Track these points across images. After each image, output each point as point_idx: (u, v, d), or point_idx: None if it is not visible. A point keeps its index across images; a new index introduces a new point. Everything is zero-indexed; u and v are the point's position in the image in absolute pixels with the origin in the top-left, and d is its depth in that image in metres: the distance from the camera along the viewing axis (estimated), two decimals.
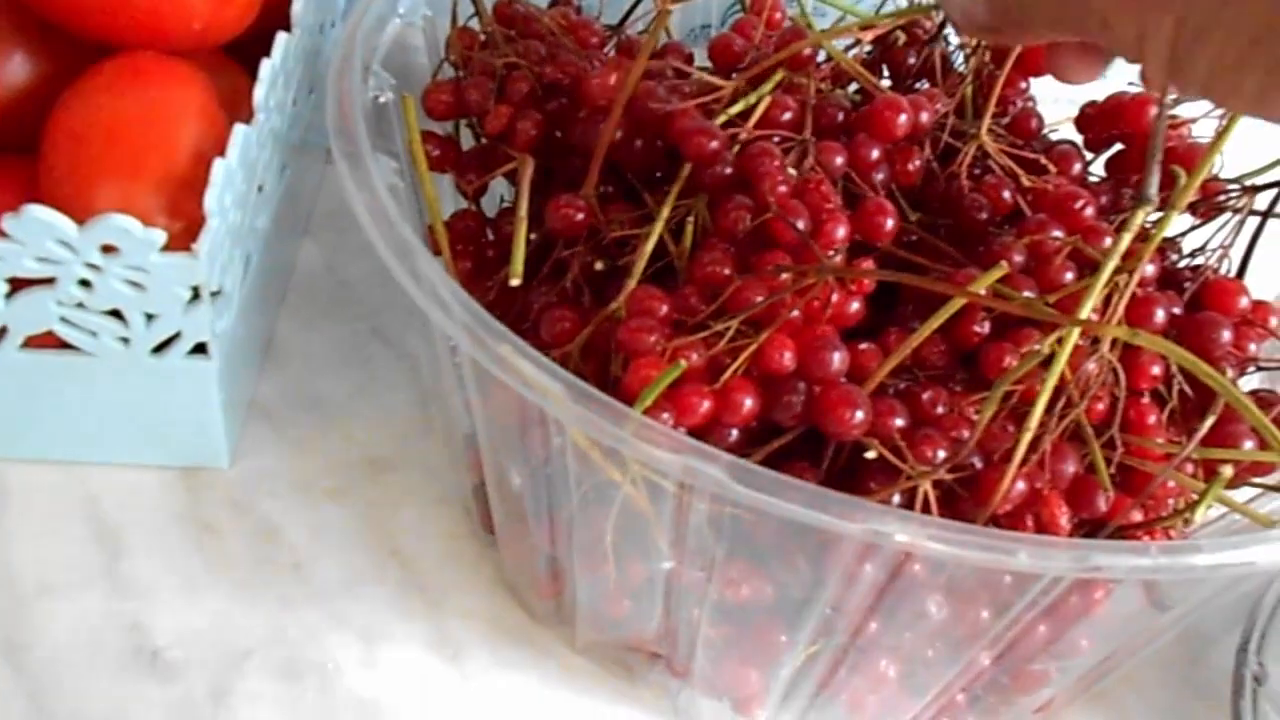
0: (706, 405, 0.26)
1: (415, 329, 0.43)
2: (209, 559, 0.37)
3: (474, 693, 0.35)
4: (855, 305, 0.30)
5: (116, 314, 0.30)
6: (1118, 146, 0.38)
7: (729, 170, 0.30)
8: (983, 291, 0.29)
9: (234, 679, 0.34)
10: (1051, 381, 0.27)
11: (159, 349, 0.32)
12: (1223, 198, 0.36)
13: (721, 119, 0.31)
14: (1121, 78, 0.43)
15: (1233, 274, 0.36)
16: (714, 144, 0.30)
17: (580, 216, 0.31)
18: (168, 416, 0.35)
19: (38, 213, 0.26)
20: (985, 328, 0.30)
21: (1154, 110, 0.34)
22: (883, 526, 0.21)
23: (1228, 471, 0.27)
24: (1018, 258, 0.30)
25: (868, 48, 0.42)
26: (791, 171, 0.31)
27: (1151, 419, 0.32)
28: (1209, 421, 0.29)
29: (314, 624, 0.36)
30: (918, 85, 0.41)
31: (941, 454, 0.28)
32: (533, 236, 0.34)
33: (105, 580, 0.36)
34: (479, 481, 0.36)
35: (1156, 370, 0.32)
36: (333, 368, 0.43)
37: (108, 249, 0.27)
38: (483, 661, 0.35)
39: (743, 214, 0.29)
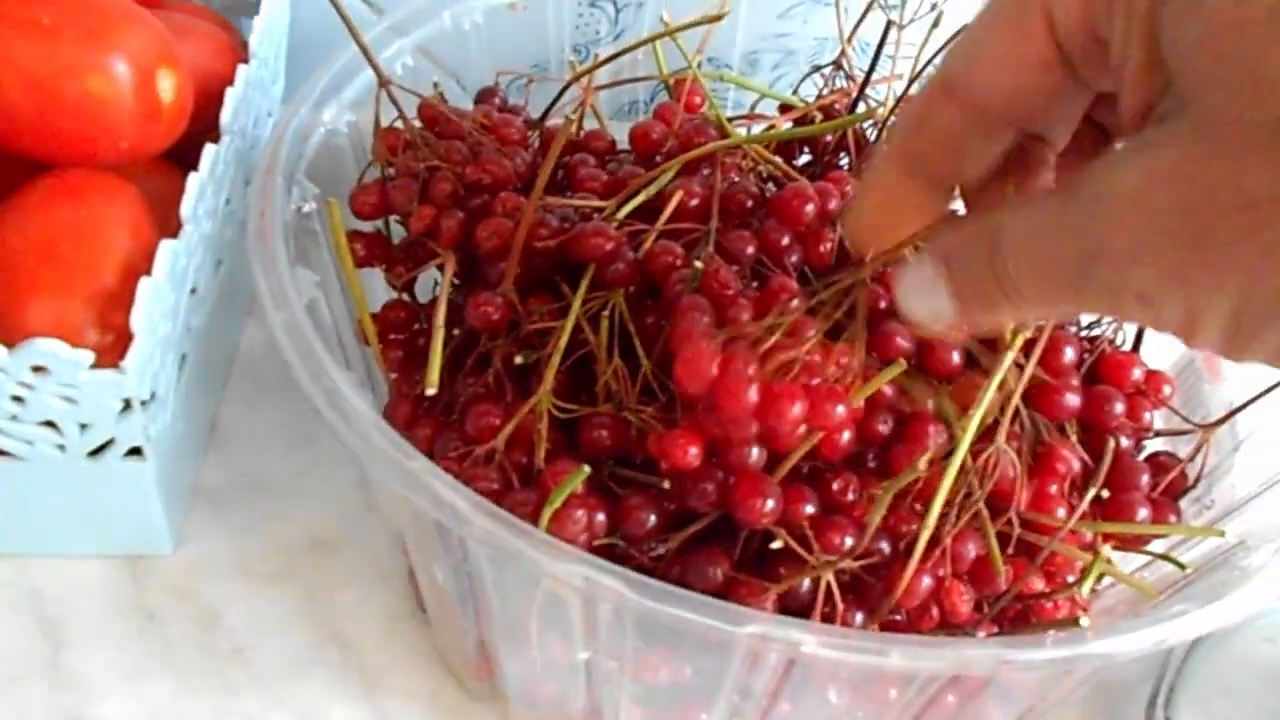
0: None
1: None
2: (151, 648, 0.38)
3: None
4: None
5: (51, 424, 0.31)
6: None
7: (625, 267, 0.32)
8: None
9: None
10: (948, 480, 0.29)
11: (95, 453, 0.33)
12: None
13: (624, 213, 0.33)
14: None
15: (1127, 346, 0.38)
16: (609, 245, 0.31)
17: (498, 315, 0.33)
18: (108, 511, 0.36)
19: None
20: (889, 425, 0.31)
21: None
22: (767, 631, 0.23)
23: (1106, 551, 0.28)
24: (904, 343, 0.32)
25: (787, 124, 0.44)
26: (697, 264, 0.32)
27: (1052, 489, 0.34)
28: (1090, 493, 0.31)
29: (255, 711, 0.37)
30: (840, 159, 0.43)
31: (849, 541, 0.30)
32: (455, 331, 0.35)
33: (48, 672, 0.37)
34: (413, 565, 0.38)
35: (1062, 467, 0.33)
36: (276, 449, 0.44)
37: (38, 369, 0.28)
38: None
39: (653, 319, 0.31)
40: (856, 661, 0.22)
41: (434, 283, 0.41)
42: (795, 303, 0.29)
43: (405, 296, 0.38)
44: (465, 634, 0.34)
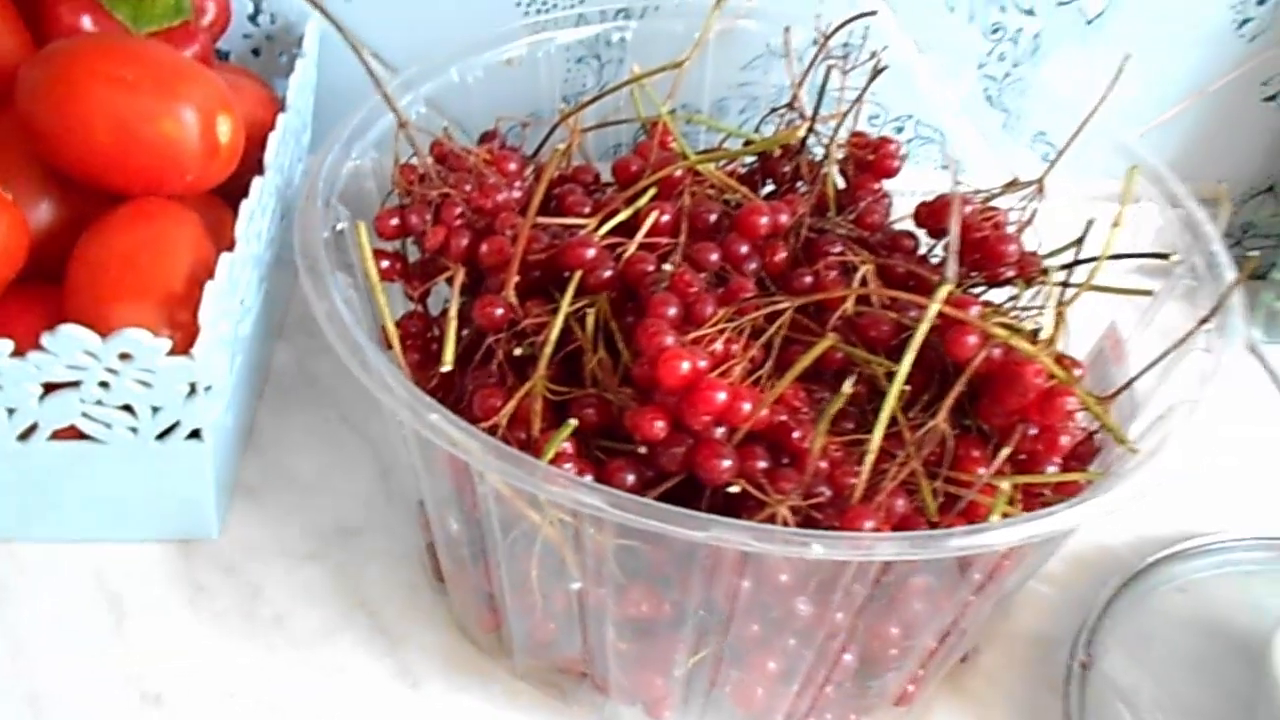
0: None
1: (377, 415, 0.50)
2: (202, 614, 0.43)
3: (431, 716, 0.41)
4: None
5: (127, 407, 0.37)
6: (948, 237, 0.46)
7: (609, 274, 0.38)
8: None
9: (225, 713, 0.40)
10: (879, 428, 0.35)
11: (162, 436, 0.39)
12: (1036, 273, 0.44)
13: (605, 229, 0.40)
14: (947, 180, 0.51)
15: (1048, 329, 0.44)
16: (591, 253, 0.38)
17: (500, 312, 0.39)
18: (167, 495, 0.42)
19: (70, 330, 0.33)
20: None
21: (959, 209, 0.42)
22: (721, 534, 0.29)
23: (1006, 487, 0.34)
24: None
25: (751, 159, 0.51)
26: (666, 267, 0.39)
27: (976, 453, 0.40)
28: (1003, 454, 0.37)
29: (294, 665, 0.42)
30: (798, 186, 0.50)
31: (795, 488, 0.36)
32: (465, 332, 0.41)
33: (113, 636, 0.42)
34: (430, 540, 0.43)
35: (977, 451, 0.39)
36: (306, 450, 0.50)
37: (124, 356, 0.35)
38: (438, 689, 0.42)
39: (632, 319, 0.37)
40: (784, 552, 0.28)
41: (444, 299, 0.47)
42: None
43: (420, 308, 0.44)
44: (477, 590, 0.40)
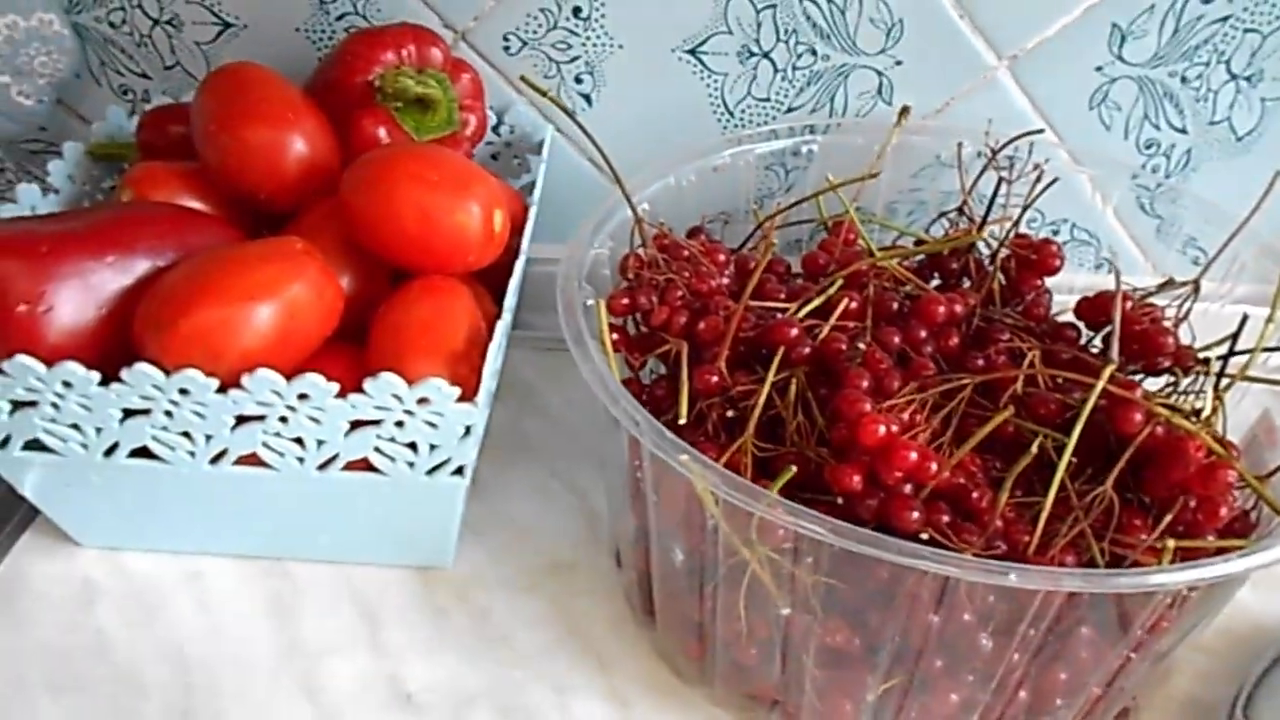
0: None
1: (583, 469, 0.58)
2: (442, 631, 0.50)
3: None
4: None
5: (410, 445, 0.45)
6: (1109, 328, 0.51)
7: (808, 350, 0.45)
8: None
9: (466, 715, 0.47)
10: (1053, 489, 0.40)
11: (431, 472, 0.46)
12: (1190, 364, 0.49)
13: (803, 313, 0.46)
14: (1106, 279, 0.56)
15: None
16: (794, 332, 0.44)
17: (715, 380, 0.46)
18: (421, 525, 0.50)
19: (388, 376, 0.42)
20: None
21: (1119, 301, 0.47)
22: (921, 562, 0.34)
23: (1171, 544, 0.38)
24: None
25: (921, 256, 0.57)
26: (860, 346, 0.45)
27: (1138, 522, 0.44)
28: (1168, 517, 0.41)
29: (520, 679, 0.48)
30: (963, 281, 0.56)
31: (976, 540, 0.41)
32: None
33: (370, 645, 0.50)
34: (640, 574, 0.50)
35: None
36: (521, 498, 0.57)
37: (422, 400, 0.42)
38: (644, 710, 0.47)
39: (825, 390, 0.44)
40: (985, 579, 0.33)
41: (650, 371, 0.54)
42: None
43: (634, 375, 0.51)
44: (685, 619, 0.46)
